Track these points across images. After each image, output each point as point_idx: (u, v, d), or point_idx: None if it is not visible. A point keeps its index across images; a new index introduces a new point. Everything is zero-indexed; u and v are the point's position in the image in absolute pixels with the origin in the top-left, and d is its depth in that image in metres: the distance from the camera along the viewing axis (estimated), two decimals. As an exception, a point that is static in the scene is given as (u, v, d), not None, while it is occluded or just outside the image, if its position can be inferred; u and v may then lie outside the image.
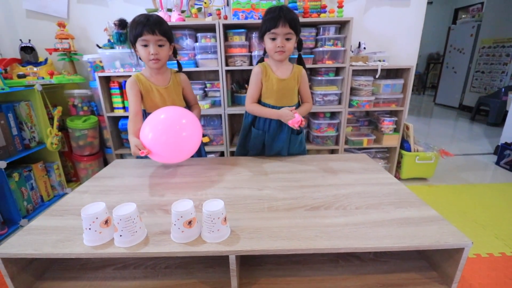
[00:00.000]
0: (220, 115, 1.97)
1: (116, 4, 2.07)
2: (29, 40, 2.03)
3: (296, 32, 1.14)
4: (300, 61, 1.31)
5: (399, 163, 2.14)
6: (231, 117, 2.07)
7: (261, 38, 1.20)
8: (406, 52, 2.19)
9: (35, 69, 1.95)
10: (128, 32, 1.14)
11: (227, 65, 1.89)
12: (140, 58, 1.17)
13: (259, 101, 1.29)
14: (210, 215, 0.71)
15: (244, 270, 0.85)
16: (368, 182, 1.07)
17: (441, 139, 3.29)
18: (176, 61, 1.33)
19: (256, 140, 1.34)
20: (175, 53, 1.27)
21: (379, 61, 1.99)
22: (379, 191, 1.00)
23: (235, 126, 2.27)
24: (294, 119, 1.15)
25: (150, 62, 1.13)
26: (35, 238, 0.77)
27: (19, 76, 1.87)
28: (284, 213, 0.87)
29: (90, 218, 0.70)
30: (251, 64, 1.93)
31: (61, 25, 2.00)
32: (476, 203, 1.80)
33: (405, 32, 2.15)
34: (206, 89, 2.04)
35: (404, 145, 2.08)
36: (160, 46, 1.12)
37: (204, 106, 1.94)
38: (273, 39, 1.14)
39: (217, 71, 1.89)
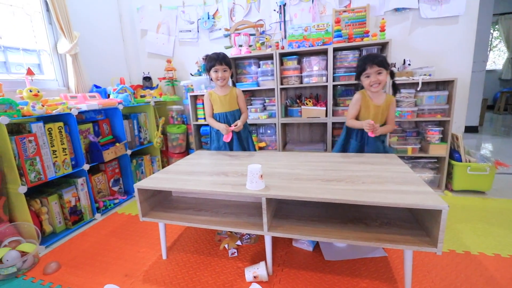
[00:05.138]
0: (275, 124, 2.42)
1: (204, 44, 2.83)
2: (148, 72, 2.94)
3: (384, 67, 1.51)
4: (394, 85, 1.68)
5: (451, 173, 2.13)
6: (283, 126, 2.49)
7: (357, 78, 1.61)
8: (458, 66, 2.24)
9: (150, 91, 2.81)
10: (205, 63, 1.80)
11: (282, 84, 2.35)
12: (211, 79, 1.81)
13: (356, 119, 1.66)
14: (251, 171, 1.13)
15: (275, 220, 1.22)
16: (384, 171, 1.30)
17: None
18: (232, 81, 1.93)
19: (354, 145, 1.70)
20: (232, 76, 1.88)
21: (425, 75, 2.13)
22: (389, 176, 1.23)
23: (287, 134, 2.68)
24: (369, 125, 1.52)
25: (218, 82, 1.78)
26: (158, 181, 1.32)
27: (141, 96, 2.74)
28: (306, 182, 1.21)
29: (255, 171, 1.13)
30: (301, 82, 2.34)
31: (169, 61, 2.85)
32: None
33: (455, 47, 2.22)
34: (265, 103, 2.53)
35: (455, 155, 2.08)
36: (224, 71, 1.75)
37: (263, 116, 2.42)
38: (368, 76, 1.54)
39: (274, 89, 2.36)
